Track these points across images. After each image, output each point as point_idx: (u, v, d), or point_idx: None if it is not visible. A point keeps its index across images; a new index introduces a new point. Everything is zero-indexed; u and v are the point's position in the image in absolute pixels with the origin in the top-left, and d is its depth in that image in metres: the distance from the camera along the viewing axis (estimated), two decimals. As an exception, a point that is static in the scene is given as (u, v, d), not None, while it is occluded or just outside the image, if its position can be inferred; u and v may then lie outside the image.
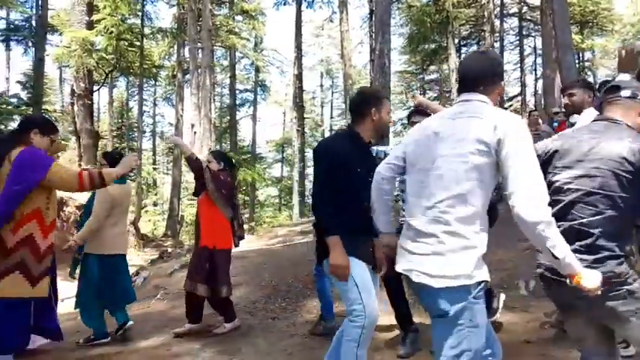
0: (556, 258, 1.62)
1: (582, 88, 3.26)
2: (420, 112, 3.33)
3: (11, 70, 28.14)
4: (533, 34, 25.47)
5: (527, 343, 3.33)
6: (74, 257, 4.04)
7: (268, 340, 3.96)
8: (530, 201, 1.63)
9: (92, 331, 4.06)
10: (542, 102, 10.35)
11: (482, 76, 1.89)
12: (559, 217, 1.82)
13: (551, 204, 1.70)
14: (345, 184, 2.44)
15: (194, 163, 4.00)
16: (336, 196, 2.42)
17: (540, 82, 20.97)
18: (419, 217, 1.82)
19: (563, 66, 9.65)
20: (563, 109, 3.40)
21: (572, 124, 3.31)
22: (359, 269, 2.39)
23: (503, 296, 3.58)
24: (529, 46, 26.58)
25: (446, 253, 1.71)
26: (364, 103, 2.57)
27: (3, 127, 17.12)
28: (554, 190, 1.91)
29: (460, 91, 1.96)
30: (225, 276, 4.10)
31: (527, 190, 1.64)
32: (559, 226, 1.71)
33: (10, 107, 17.68)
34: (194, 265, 4.08)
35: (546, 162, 1.99)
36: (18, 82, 23.56)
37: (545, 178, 1.91)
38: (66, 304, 6.53)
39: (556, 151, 2.00)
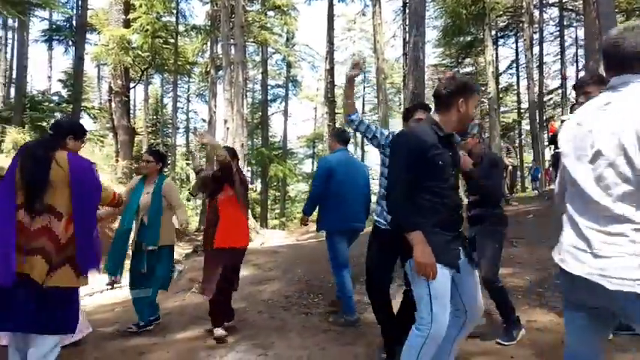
0: None
1: (597, 85, 3.12)
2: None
3: (53, 69, 29.29)
4: (574, 25, 24.52)
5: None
6: (146, 250, 4.15)
7: (302, 334, 3.94)
8: None
9: (136, 320, 4.25)
10: (585, 94, 9.93)
11: None
12: None
13: None
14: (426, 179, 2.28)
15: (227, 165, 3.90)
16: (416, 192, 2.29)
17: (582, 75, 20.18)
18: (586, 215, 1.67)
19: (607, 56, 9.22)
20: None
21: None
22: (437, 277, 2.22)
23: (523, 332, 3.48)
24: (570, 37, 25.62)
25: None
26: (452, 91, 2.37)
27: (45, 123, 17.82)
28: None
29: (612, 73, 1.71)
30: (238, 272, 4.15)
31: None
32: None
33: (52, 105, 18.38)
34: (211, 269, 3.94)
35: None
36: (59, 80, 24.47)
37: None
38: (105, 296, 6.72)
39: None
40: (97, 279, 7.46)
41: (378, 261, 3.20)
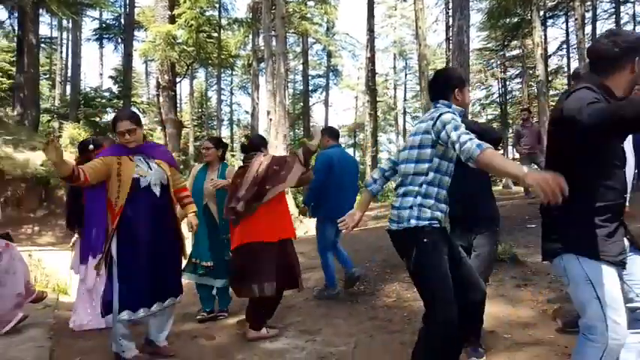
0: None
1: None
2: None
3: (104, 66, 30.60)
4: (632, 0, 23.01)
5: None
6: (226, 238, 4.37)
7: (348, 322, 4.00)
8: None
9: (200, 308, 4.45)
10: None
11: None
12: None
13: None
14: (593, 154, 1.89)
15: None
16: (577, 170, 1.90)
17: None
18: None
19: (669, 33, 8.63)
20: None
21: None
22: (604, 277, 1.88)
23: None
24: (627, 14, 24.02)
25: None
26: (627, 49, 1.98)
27: (98, 119, 18.66)
28: None
29: None
30: None
31: None
32: None
33: (104, 100, 19.24)
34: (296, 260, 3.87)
35: None
36: (110, 77, 25.49)
37: None
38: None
39: None
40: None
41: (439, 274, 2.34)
